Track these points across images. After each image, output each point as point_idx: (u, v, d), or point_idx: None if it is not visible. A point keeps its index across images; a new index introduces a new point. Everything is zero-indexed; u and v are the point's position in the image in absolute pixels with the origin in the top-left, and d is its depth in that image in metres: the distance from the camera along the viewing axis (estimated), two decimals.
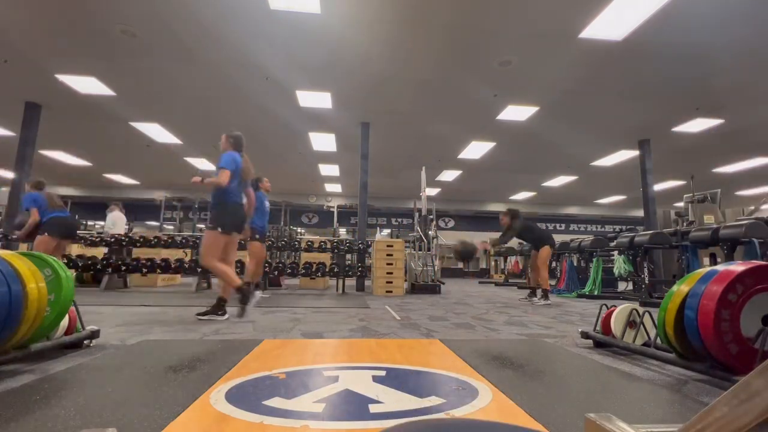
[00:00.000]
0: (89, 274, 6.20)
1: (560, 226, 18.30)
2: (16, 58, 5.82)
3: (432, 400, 1.27)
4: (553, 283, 8.06)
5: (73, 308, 1.97)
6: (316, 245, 6.72)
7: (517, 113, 7.53)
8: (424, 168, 7.84)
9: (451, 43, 5.36)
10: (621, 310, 2.16)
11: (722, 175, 11.37)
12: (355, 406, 1.22)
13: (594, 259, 6.85)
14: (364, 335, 2.57)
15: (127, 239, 6.34)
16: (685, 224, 6.75)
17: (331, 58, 5.78)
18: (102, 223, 16.11)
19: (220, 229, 3.12)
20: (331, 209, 15.67)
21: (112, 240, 6.30)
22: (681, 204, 8.25)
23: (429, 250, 7.44)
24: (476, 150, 9.90)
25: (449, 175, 12.44)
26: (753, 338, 1.43)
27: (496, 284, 10.54)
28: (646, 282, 5.80)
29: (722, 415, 0.51)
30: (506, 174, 12.35)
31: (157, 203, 14.27)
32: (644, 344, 2.01)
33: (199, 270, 6.01)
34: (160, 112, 7.76)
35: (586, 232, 18.13)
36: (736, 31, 4.98)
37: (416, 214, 8.01)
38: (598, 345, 2.28)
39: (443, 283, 7.52)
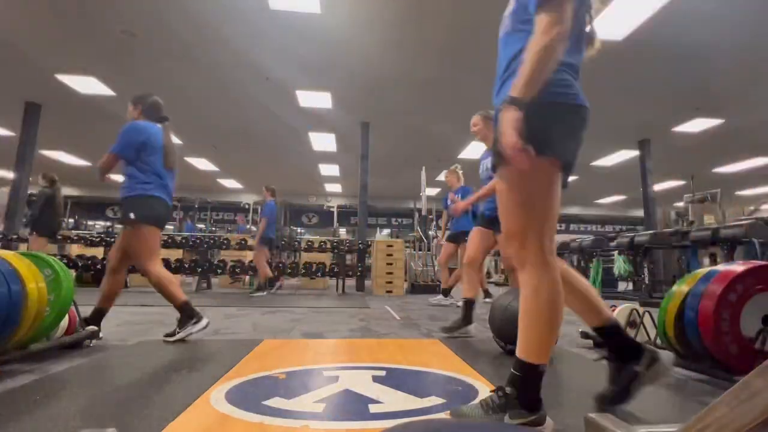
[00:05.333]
0: (89, 274, 6.20)
1: (560, 226, 18.30)
2: (16, 58, 5.82)
3: (432, 400, 1.27)
4: None
5: (73, 308, 1.97)
6: (316, 245, 6.72)
7: None
8: (424, 168, 7.84)
9: (451, 42, 5.36)
10: (621, 310, 2.16)
11: (722, 175, 11.36)
12: (355, 406, 1.22)
13: (594, 259, 6.84)
14: (364, 335, 2.57)
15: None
16: (685, 224, 6.75)
17: (331, 58, 5.78)
18: (102, 223, 16.14)
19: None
20: (331, 209, 15.67)
21: (113, 240, 6.30)
22: (681, 204, 8.25)
23: (429, 250, 7.44)
24: (476, 150, 9.90)
25: None
26: (753, 338, 1.43)
27: (496, 284, 10.53)
28: (646, 282, 5.80)
29: (722, 415, 0.51)
30: None
31: None
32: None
33: (200, 270, 6.02)
34: None
35: (586, 232, 18.13)
36: (736, 31, 4.97)
37: (416, 214, 8.01)
38: (598, 345, 2.27)
39: None
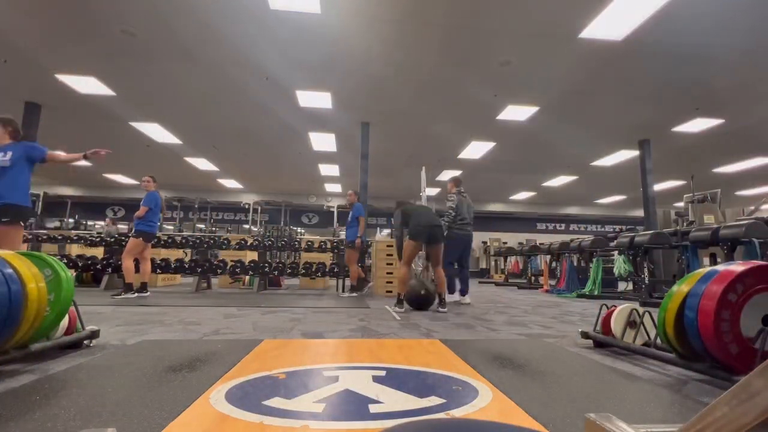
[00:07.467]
0: (89, 274, 6.20)
1: (560, 226, 18.30)
2: (16, 58, 5.82)
3: (432, 400, 1.27)
4: (553, 282, 8.06)
5: (73, 308, 1.97)
6: (316, 245, 6.72)
7: (517, 113, 7.53)
8: (424, 168, 7.84)
9: (451, 42, 5.36)
10: (621, 310, 2.16)
11: (722, 175, 11.37)
12: (355, 406, 1.22)
13: (594, 259, 6.84)
14: (364, 335, 2.57)
15: (126, 239, 6.33)
16: (685, 224, 6.74)
17: (331, 58, 5.78)
18: (102, 223, 16.14)
19: None
20: (331, 209, 15.66)
21: (112, 240, 6.30)
22: (681, 204, 8.24)
23: None
24: (476, 150, 9.91)
25: (449, 175, 12.44)
26: (753, 338, 1.43)
27: (496, 284, 10.53)
28: (646, 282, 5.80)
29: (722, 415, 0.51)
30: (506, 174, 12.35)
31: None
32: (644, 344, 2.01)
33: (199, 270, 6.01)
34: (160, 112, 7.76)
35: (586, 232, 18.13)
36: (736, 31, 4.98)
37: None
38: (598, 345, 2.27)
39: None
